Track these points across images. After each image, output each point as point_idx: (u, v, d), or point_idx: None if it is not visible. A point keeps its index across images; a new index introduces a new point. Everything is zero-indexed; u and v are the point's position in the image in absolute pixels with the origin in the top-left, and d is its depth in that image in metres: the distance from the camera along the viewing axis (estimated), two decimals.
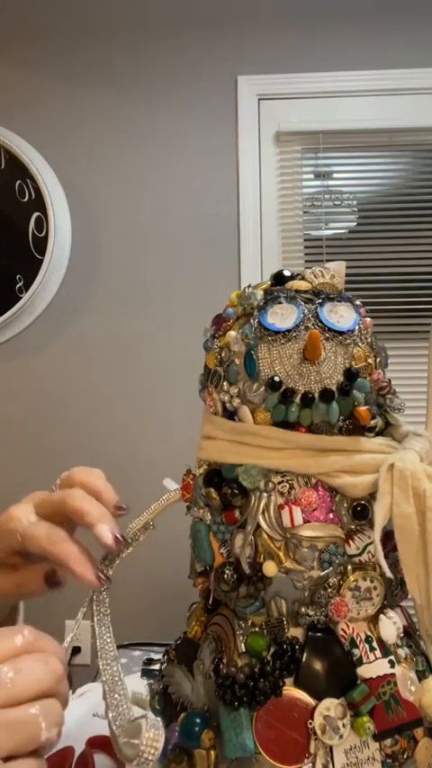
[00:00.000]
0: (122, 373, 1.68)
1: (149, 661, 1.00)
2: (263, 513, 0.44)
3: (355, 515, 0.44)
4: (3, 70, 1.74)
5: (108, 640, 0.40)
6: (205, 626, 0.49)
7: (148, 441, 1.64)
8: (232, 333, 0.47)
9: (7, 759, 0.30)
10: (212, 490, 0.46)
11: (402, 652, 0.45)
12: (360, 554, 0.44)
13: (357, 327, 0.45)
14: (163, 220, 1.70)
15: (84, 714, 0.69)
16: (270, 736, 0.40)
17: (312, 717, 0.41)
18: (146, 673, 0.90)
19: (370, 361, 0.45)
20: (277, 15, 1.71)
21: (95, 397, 1.68)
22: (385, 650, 0.44)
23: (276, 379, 0.43)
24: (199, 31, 1.72)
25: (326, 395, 0.43)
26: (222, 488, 0.45)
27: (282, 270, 0.50)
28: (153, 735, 0.34)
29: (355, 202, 1.72)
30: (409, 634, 0.48)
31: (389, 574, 0.41)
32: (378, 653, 0.44)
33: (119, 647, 0.74)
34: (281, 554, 0.43)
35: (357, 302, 0.47)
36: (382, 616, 0.45)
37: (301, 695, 0.41)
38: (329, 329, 0.44)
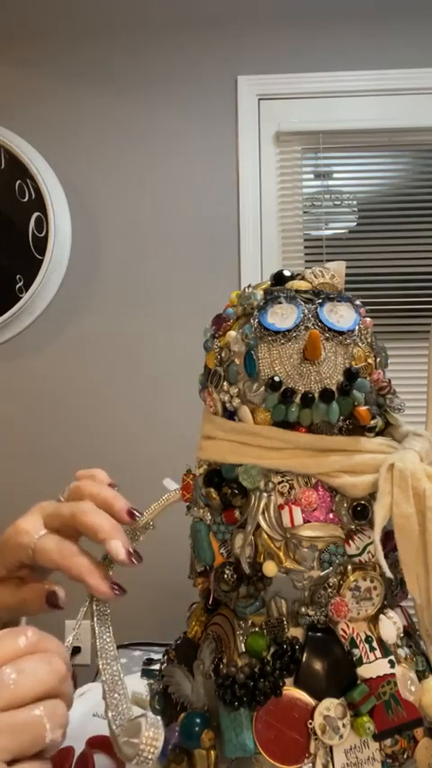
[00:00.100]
0: (122, 373, 1.68)
1: (149, 661, 1.00)
2: (263, 513, 0.44)
3: (355, 515, 0.44)
4: (3, 70, 1.74)
5: (108, 640, 0.40)
6: (205, 626, 0.49)
7: (148, 441, 1.65)
8: (232, 333, 0.47)
9: (12, 762, 0.29)
10: (212, 490, 0.46)
11: (402, 652, 0.45)
12: (360, 554, 0.44)
13: (357, 327, 0.45)
14: (163, 220, 1.70)
15: (84, 714, 0.69)
16: (270, 736, 0.40)
17: (312, 717, 0.41)
18: (146, 673, 0.90)
19: (370, 361, 0.45)
20: (277, 15, 1.71)
21: (95, 397, 1.68)
22: (385, 650, 0.44)
23: (276, 379, 0.43)
24: (199, 31, 1.72)
25: (326, 395, 0.43)
26: (222, 488, 0.45)
27: (282, 270, 0.50)
28: (152, 734, 0.34)
29: (355, 202, 1.72)
30: (409, 634, 0.48)
31: (389, 574, 0.41)
32: (378, 653, 0.44)
33: (119, 647, 0.74)
34: (281, 554, 0.43)
35: (357, 302, 0.47)
36: (382, 616, 0.45)
37: (301, 695, 0.41)
38: (329, 329, 0.44)
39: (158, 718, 0.35)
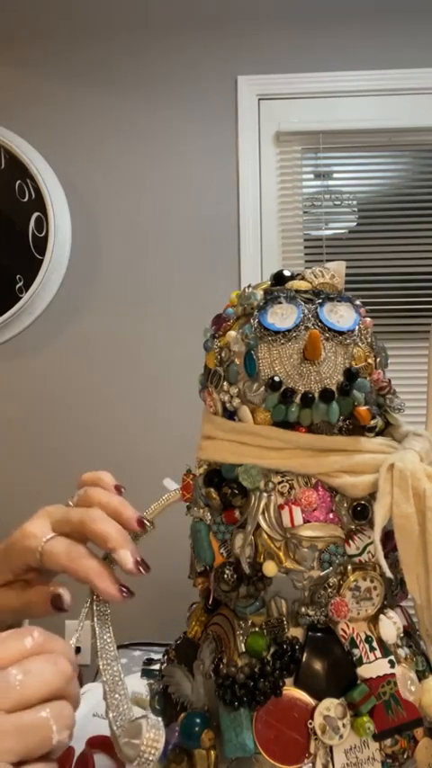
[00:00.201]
0: (122, 373, 1.68)
1: (149, 661, 0.99)
2: (263, 513, 0.44)
3: (355, 515, 0.44)
4: (3, 70, 1.74)
5: (108, 640, 0.40)
6: (205, 626, 0.49)
7: (148, 441, 1.65)
8: (232, 333, 0.47)
9: (19, 764, 0.29)
10: (212, 490, 0.46)
11: (402, 652, 0.45)
12: (360, 554, 0.44)
13: (357, 327, 0.45)
14: (163, 220, 1.70)
15: (84, 714, 0.69)
16: (270, 736, 0.40)
17: (312, 717, 0.41)
18: (146, 673, 0.90)
19: (370, 361, 0.45)
20: (277, 15, 1.71)
21: (95, 397, 1.68)
22: (385, 650, 0.44)
23: (276, 379, 0.43)
24: (199, 31, 1.72)
25: (326, 395, 0.43)
26: (222, 488, 0.45)
27: (282, 270, 0.50)
28: (154, 735, 0.34)
29: (355, 202, 1.72)
30: (409, 634, 0.48)
31: (389, 574, 0.41)
32: (378, 653, 0.44)
33: (119, 647, 0.74)
34: (281, 554, 0.43)
35: (357, 302, 0.47)
36: (382, 616, 0.45)
37: (301, 695, 0.41)
38: (329, 329, 0.44)
39: (159, 719, 0.35)
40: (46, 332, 1.69)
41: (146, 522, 0.43)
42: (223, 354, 0.48)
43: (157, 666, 0.58)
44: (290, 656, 0.42)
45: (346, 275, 0.51)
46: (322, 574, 0.43)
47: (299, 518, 0.43)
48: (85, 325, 1.70)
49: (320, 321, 0.44)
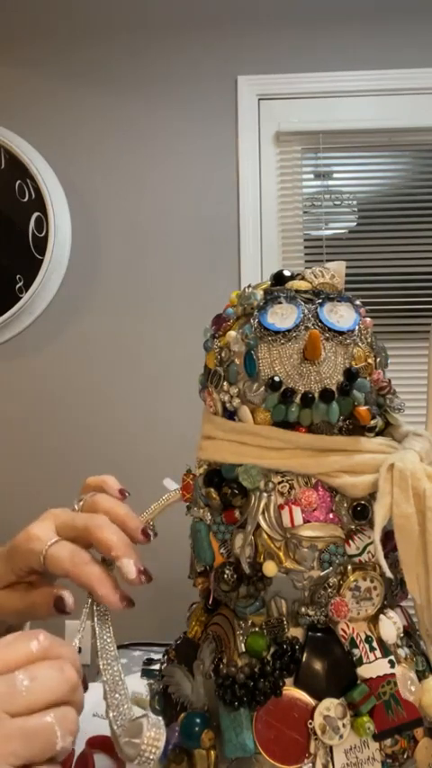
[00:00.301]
0: (122, 373, 1.68)
1: (149, 661, 0.99)
2: (263, 513, 0.44)
3: (355, 515, 0.44)
4: (3, 70, 1.74)
5: (108, 640, 0.40)
6: (205, 626, 0.49)
7: (148, 441, 1.65)
8: (232, 333, 0.47)
9: None
10: (212, 490, 0.46)
11: (402, 652, 0.45)
12: (360, 554, 0.44)
13: (357, 327, 0.45)
14: (163, 220, 1.70)
15: (84, 714, 0.69)
16: (270, 736, 0.40)
17: (312, 717, 0.41)
18: (146, 673, 0.90)
19: (370, 361, 0.45)
20: (277, 15, 1.71)
21: (95, 397, 1.68)
22: (385, 650, 0.44)
23: (276, 379, 0.43)
24: (199, 31, 1.72)
25: (326, 395, 0.43)
26: (222, 488, 0.45)
27: (282, 270, 0.50)
28: (154, 734, 0.34)
29: (355, 202, 1.72)
30: (409, 634, 0.48)
31: (389, 574, 0.41)
32: (378, 653, 0.44)
33: (119, 647, 0.74)
34: (281, 554, 0.43)
35: (357, 302, 0.47)
36: (382, 616, 0.45)
37: (301, 695, 0.41)
38: (329, 329, 0.44)
39: (160, 718, 0.35)
40: (46, 332, 1.69)
41: (150, 533, 0.43)
42: (223, 354, 0.48)
43: (157, 666, 0.58)
44: (290, 656, 0.42)
45: (346, 275, 0.51)
46: (322, 574, 0.43)
47: (299, 518, 0.43)
48: (85, 325, 1.70)
49: (320, 321, 0.44)
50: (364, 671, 0.43)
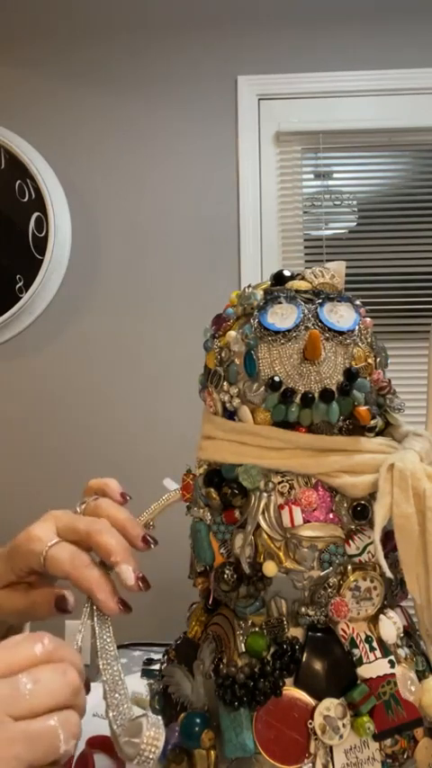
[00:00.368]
0: (122, 373, 1.68)
1: (149, 661, 0.99)
2: (263, 513, 0.44)
3: (355, 515, 0.44)
4: (3, 70, 1.74)
5: (108, 640, 0.40)
6: (205, 626, 0.49)
7: (148, 441, 1.64)
8: (232, 333, 0.47)
9: None
10: (212, 490, 0.46)
11: (402, 652, 0.45)
12: (360, 554, 0.44)
13: (357, 327, 0.45)
14: (163, 220, 1.70)
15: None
16: (270, 736, 0.40)
17: (312, 717, 0.41)
18: (146, 673, 0.90)
19: (370, 361, 0.45)
20: (277, 15, 1.71)
21: (95, 397, 1.68)
22: (385, 650, 0.44)
23: (276, 379, 0.43)
24: (199, 31, 1.72)
25: (326, 395, 0.43)
26: (222, 488, 0.45)
27: (282, 270, 0.50)
28: (154, 733, 0.34)
29: (355, 202, 1.72)
30: (409, 634, 0.48)
31: (389, 574, 0.41)
32: (378, 653, 0.44)
33: (119, 647, 0.74)
34: (281, 554, 0.43)
35: (357, 302, 0.47)
36: (382, 616, 0.45)
37: (301, 695, 0.41)
38: (329, 329, 0.44)
39: (159, 718, 0.35)
40: (46, 332, 1.69)
41: (150, 540, 0.43)
42: (223, 354, 0.48)
43: (157, 666, 0.58)
44: (290, 656, 0.42)
45: (346, 275, 0.51)
46: (322, 574, 0.43)
47: (299, 518, 0.43)
48: (85, 325, 1.70)
49: (320, 321, 0.44)
50: (364, 671, 0.43)
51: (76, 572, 0.39)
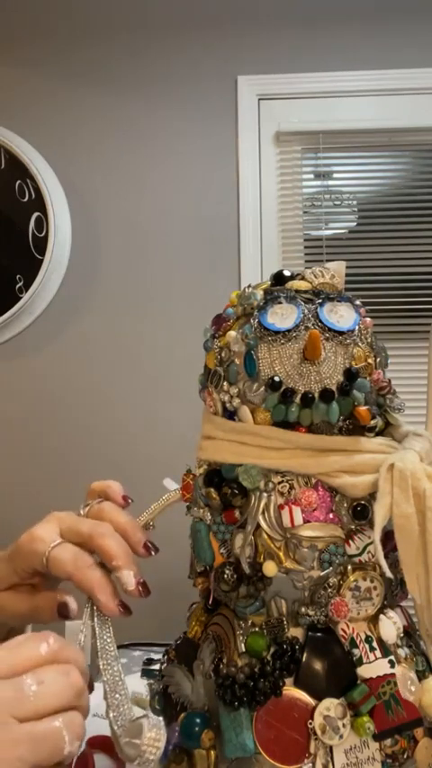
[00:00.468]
0: (122, 373, 1.68)
1: (149, 661, 1.00)
2: (263, 513, 0.44)
3: (355, 515, 0.44)
4: (3, 70, 1.74)
5: (108, 640, 0.40)
6: (205, 626, 0.49)
7: (148, 441, 1.64)
8: (232, 333, 0.47)
9: None
10: (212, 490, 0.46)
11: (402, 652, 0.45)
12: (360, 554, 0.44)
13: (357, 327, 0.45)
14: (163, 220, 1.70)
15: None
16: (270, 736, 0.41)
17: (312, 717, 0.41)
18: (146, 673, 0.90)
19: (370, 361, 0.45)
20: (277, 15, 1.71)
21: (95, 397, 1.68)
22: (385, 650, 0.44)
23: (276, 379, 0.43)
24: (199, 31, 1.72)
25: (326, 395, 0.43)
26: (222, 488, 0.45)
27: (282, 270, 0.50)
28: (155, 735, 0.34)
29: (355, 202, 1.72)
30: (409, 634, 0.48)
31: (389, 574, 0.41)
32: (378, 653, 0.44)
33: (119, 647, 0.74)
34: (281, 554, 0.43)
35: (357, 302, 0.47)
36: (382, 616, 0.45)
37: (301, 695, 0.41)
38: (329, 329, 0.44)
39: (160, 719, 0.35)
40: (46, 332, 1.69)
41: (151, 547, 0.43)
42: (223, 354, 0.48)
43: (157, 666, 0.58)
44: (290, 656, 0.42)
45: (346, 275, 0.51)
46: (322, 574, 0.43)
47: (299, 518, 0.43)
48: (85, 325, 1.70)
49: (320, 321, 0.44)
50: (364, 671, 0.43)
51: (79, 572, 0.39)
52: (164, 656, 0.52)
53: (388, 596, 0.46)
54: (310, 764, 0.40)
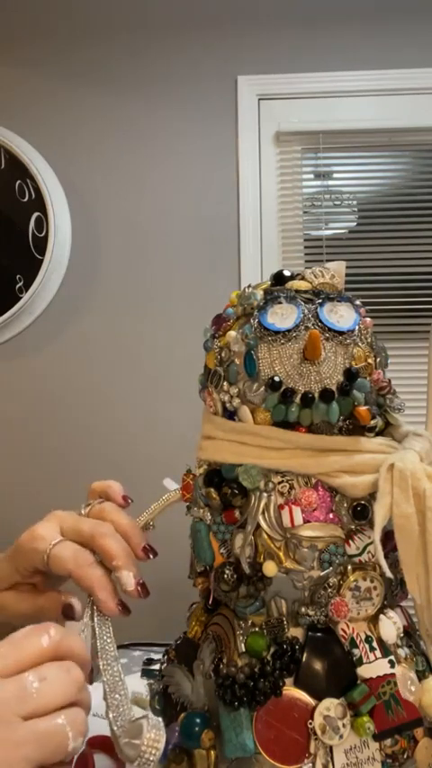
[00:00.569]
0: (122, 373, 1.68)
1: (149, 661, 1.00)
2: (263, 513, 0.44)
3: (355, 515, 0.44)
4: (3, 70, 1.74)
5: (108, 640, 0.40)
6: (205, 626, 0.49)
7: (148, 441, 1.64)
8: (232, 333, 0.47)
9: None
10: (212, 490, 0.46)
11: (402, 652, 0.45)
12: (360, 554, 0.44)
13: (357, 327, 0.45)
14: (163, 220, 1.70)
15: None
16: (270, 736, 0.41)
17: (312, 717, 0.41)
18: (146, 673, 0.90)
19: (370, 361, 0.45)
20: (277, 15, 1.71)
21: (95, 397, 1.68)
22: (385, 650, 0.44)
23: (276, 379, 0.43)
24: (199, 31, 1.72)
25: (326, 395, 0.43)
26: (222, 488, 0.45)
27: (282, 270, 0.50)
28: (154, 735, 0.34)
29: (355, 202, 1.72)
30: (409, 634, 0.48)
31: (389, 574, 0.41)
32: (378, 653, 0.44)
33: (119, 647, 0.74)
34: (281, 554, 0.43)
35: (357, 302, 0.47)
36: (382, 616, 0.45)
37: (301, 695, 0.41)
38: (329, 329, 0.44)
39: (160, 719, 0.35)
40: (46, 332, 1.69)
41: (150, 550, 0.44)
42: (223, 354, 0.48)
43: (157, 666, 0.58)
44: (290, 656, 0.42)
45: (346, 275, 0.51)
46: (322, 574, 0.43)
47: (299, 518, 0.43)
48: (85, 325, 1.70)
49: (320, 321, 0.44)
50: (364, 671, 0.43)
51: (79, 570, 0.39)
52: (164, 656, 0.52)
53: (388, 596, 0.45)
54: (310, 764, 0.40)
